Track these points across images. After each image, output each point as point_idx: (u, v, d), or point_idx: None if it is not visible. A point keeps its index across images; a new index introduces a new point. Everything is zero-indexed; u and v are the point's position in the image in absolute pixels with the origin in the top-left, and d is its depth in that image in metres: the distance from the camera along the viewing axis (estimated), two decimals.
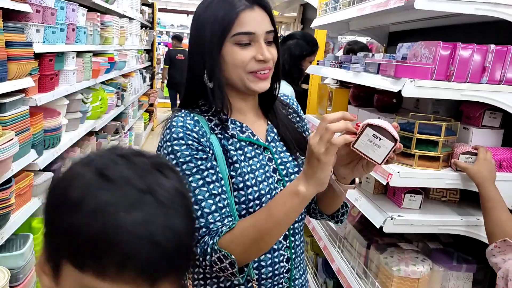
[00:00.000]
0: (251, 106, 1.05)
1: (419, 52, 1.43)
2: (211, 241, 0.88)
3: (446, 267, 1.49)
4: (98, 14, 3.46)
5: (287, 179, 1.02)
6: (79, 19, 3.01)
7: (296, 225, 1.05)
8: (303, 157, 1.03)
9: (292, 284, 1.04)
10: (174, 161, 0.93)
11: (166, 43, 10.56)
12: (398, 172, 1.34)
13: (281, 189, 1.00)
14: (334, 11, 2.06)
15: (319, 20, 2.26)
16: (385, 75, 1.40)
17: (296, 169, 1.04)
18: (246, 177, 0.96)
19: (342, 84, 2.25)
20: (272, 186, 0.99)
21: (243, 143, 0.99)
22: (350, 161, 0.91)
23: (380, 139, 0.80)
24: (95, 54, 3.64)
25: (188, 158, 0.92)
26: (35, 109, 2.29)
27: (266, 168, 1.00)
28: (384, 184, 1.37)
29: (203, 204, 0.90)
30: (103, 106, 3.64)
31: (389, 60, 1.43)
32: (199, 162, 0.92)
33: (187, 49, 1.19)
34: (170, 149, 0.94)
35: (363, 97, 1.90)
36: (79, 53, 3.06)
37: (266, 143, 1.02)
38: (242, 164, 0.96)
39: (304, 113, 3.52)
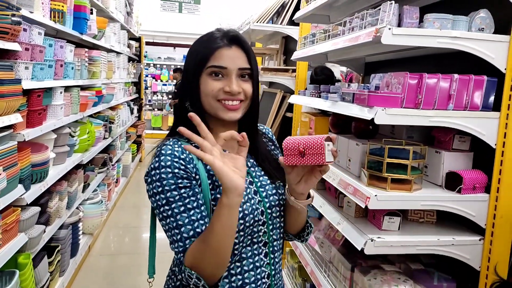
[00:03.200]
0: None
1: (390, 82, 1.53)
2: (183, 259, 0.98)
3: (427, 287, 1.54)
4: (86, 49, 3.55)
5: (266, 200, 1.11)
6: (67, 55, 3.09)
7: (275, 243, 1.12)
8: (280, 181, 1.15)
9: None
10: (160, 188, 1.01)
11: (154, 75, 10.72)
12: (376, 196, 1.41)
13: (261, 209, 1.09)
14: (312, 44, 2.18)
15: (299, 52, 2.38)
16: (359, 104, 1.49)
17: (274, 191, 1.13)
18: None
19: (323, 111, 2.35)
20: (254, 207, 1.07)
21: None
22: (301, 178, 1.03)
23: (328, 145, 0.97)
24: (83, 88, 3.71)
25: (172, 187, 1.00)
26: (22, 144, 2.32)
27: (248, 191, 1.08)
28: (363, 207, 1.43)
29: (182, 229, 0.99)
30: (91, 139, 3.68)
31: (362, 90, 1.52)
32: (182, 191, 1.00)
33: None
34: (158, 176, 1.02)
35: (342, 124, 1.99)
36: (67, 88, 3.12)
37: (247, 168, 1.11)
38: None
39: None
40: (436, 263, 1.70)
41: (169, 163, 1.01)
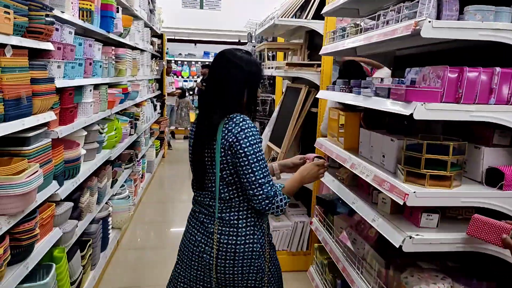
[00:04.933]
0: None
1: (428, 76, 1.49)
2: (278, 190, 1.59)
3: (466, 285, 1.51)
4: (113, 47, 3.60)
5: None
6: (95, 53, 3.14)
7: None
8: None
9: None
10: (256, 140, 1.57)
11: (174, 71, 10.80)
12: (414, 192, 1.38)
13: None
14: (342, 39, 2.15)
15: (328, 47, 2.35)
16: (395, 99, 1.46)
17: None
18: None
19: (349, 107, 2.32)
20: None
21: None
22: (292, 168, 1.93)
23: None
24: (110, 85, 3.77)
25: (260, 140, 1.59)
26: (56, 141, 2.38)
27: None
28: (401, 204, 1.41)
29: (268, 169, 1.59)
30: (118, 135, 3.74)
31: (399, 84, 1.50)
32: (261, 145, 1.60)
33: None
34: (252, 132, 1.57)
35: (374, 119, 1.96)
36: (96, 86, 3.18)
37: None
38: None
39: (315, 134, 3.57)
40: (473, 261, 1.66)
41: (253, 124, 1.60)
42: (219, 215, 1.62)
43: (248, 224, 1.61)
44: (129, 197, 4.10)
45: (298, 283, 3.39)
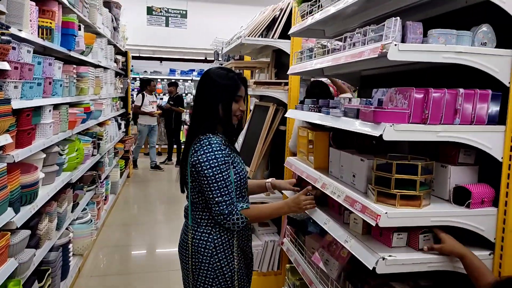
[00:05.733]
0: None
1: (394, 97, 1.52)
2: (236, 209, 1.72)
3: None
4: (74, 66, 3.48)
5: (244, 170, 1.90)
6: (56, 72, 3.02)
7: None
8: None
9: None
10: (216, 162, 1.71)
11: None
12: (386, 213, 1.38)
13: (246, 175, 1.90)
14: (309, 59, 2.17)
15: (295, 66, 2.36)
16: (364, 119, 1.47)
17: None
18: (238, 169, 1.82)
19: (318, 126, 2.33)
20: (243, 172, 1.87)
21: (233, 151, 1.84)
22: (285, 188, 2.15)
23: None
24: (71, 105, 3.63)
25: (224, 162, 1.73)
26: (12, 165, 2.24)
27: (241, 165, 1.86)
28: (374, 225, 1.40)
29: (231, 194, 1.73)
30: (80, 156, 3.59)
31: (368, 106, 1.51)
32: (227, 165, 1.74)
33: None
34: (213, 155, 1.71)
35: (343, 139, 1.97)
36: (56, 106, 3.05)
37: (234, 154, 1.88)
38: (236, 161, 1.82)
39: (283, 152, 3.57)
40: (443, 278, 1.68)
41: (218, 146, 1.73)
42: (192, 218, 1.84)
43: (213, 228, 1.80)
44: (91, 221, 3.92)
45: None
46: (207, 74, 1.83)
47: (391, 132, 1.34)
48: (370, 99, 1.75)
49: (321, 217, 1.89)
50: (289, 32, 2.61)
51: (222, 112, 1.78)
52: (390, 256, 1.42)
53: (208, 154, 1.70)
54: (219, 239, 1.79)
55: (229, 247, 1.80)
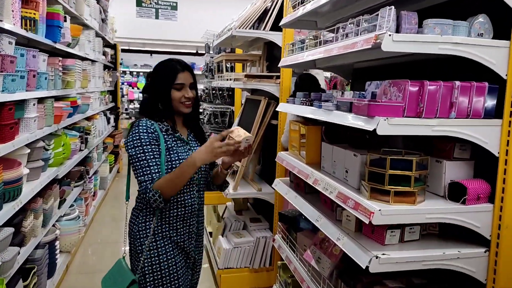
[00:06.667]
0: (181, 121, 1.93)
1: (388, 90, 1.47)
2: (150, 186, 1.70)
3: None
4: (60, 58, 3.38)
5: None
6: (40, 65, 2.93)
7: (202, 185, 1.93)
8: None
9: None
10: (139, 142, 1.72)
11: (130, 82, 10.47)
12: (380, 210, 1.34)
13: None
14: (301, 51, 2.11)
15: (287, 59, 2.30)
16: (357, 113, 1.42)
17: None
18: (176, 156, 1.80)
19: (310, 120, 2.28)
20: (185, 157, 1.83)
21: (176, 139, 1.85)
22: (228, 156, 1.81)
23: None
24: (57, 98, 3.53)
25: (147, 142, 1.73)
26: None
27: (186, 153, 1.85)
28: (367, 223, 1.36)
29: (151, 169, 1.72)
30: (66, 151, 3.50)
31: (361, 99, 1.46)
32: (154, 147, 1.74)
33: None
34: (138, 136, 1.74)
35: (336, 133, 1.92)
36: (41, 99, 2.95)
37: (188, 140, 1.91)
38: (175, 149, 1.82)
39: (275, 147, 3.52)
40: (436, 275, 1.64)
41: (145, 129, 1.75)
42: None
43: (140, 212, 1.85)
44: (79, 217, 3.84)
45: None
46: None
47: (385, 126, 1.29)
48: (363, 92, 1.69)
49: (313, 214, 1.84)
50: (280, 23, 2.55)
51: (161, 99, 1.81)
52: (383, 254, 1.38)
53: (133, 135, 1.74)
54: (141, 222, 1.83)
55: (146, 229, 1.81)
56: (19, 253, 2.42)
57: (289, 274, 2.40)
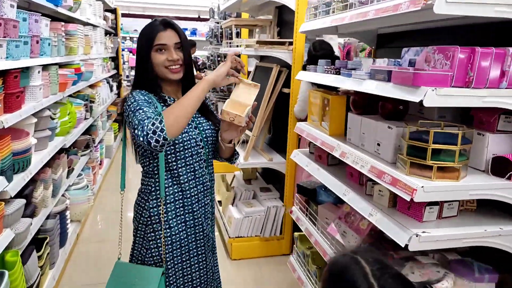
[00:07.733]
0: (176, 89, 1.66)
1: (431, 57, 1.36)
2: (148, 122, 1.36)
3: (469, 279, 1.43)
4: (62, 23, 3.21)
5: (203, 132, 1.65)
6: (43, 30, 2.77)
7: (210, 159, 1.72)
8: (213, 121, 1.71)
9: None
10: (134, 100, 1.48)
11: (130, 49, 10.20)
12: (422, 187, 1.26)
13: (200, 138, 1.63)
14: (326, 15, 1.97)
15: (308, 24, 2.16)
16: (400, 83, 1.32)
17: (208, 127, 1.67)
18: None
19: (327, 88, 2.16)
20: (191, 137, 1.60)
21: None
22: (228, 129, 1.58)
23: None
24: (61, 65, 3.39)
25: (142, 99, 1.49)
26: (1, 131, 2.07)
27: (189, 127, 1.61)
28: (408, 200, 1.29)
29: (148, 113, 1.41)
30: (72, 120, 3.40)
31: (404, 67, 1.35)
32: (150, 103, 1.50)
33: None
34: (133, 98, 1.50)
35: (366, 104, 1.82)
36: (45, 66, 2.82)
37: None
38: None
39: (286, 116, 3.42)
40: (470, 251, 1.59)
41: (140, 94, 1.52)
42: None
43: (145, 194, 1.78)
44: (87, 186, 3.79)
45: (271, 268, 3.30)
46: None
47: (433, 97, 1.19)
48: (399, 60, 1.58)
49: (340, 188, 1.77)
50: None
51: (143, 66, 1.57)
52: (424, 232, 1.31)
53: (128, 102, 1.50)
54: (152, 206, 1.71)
55: (158, 214, 1.68)
56: (31, 224, 2.37)
57: (307, 245, 2.37)
